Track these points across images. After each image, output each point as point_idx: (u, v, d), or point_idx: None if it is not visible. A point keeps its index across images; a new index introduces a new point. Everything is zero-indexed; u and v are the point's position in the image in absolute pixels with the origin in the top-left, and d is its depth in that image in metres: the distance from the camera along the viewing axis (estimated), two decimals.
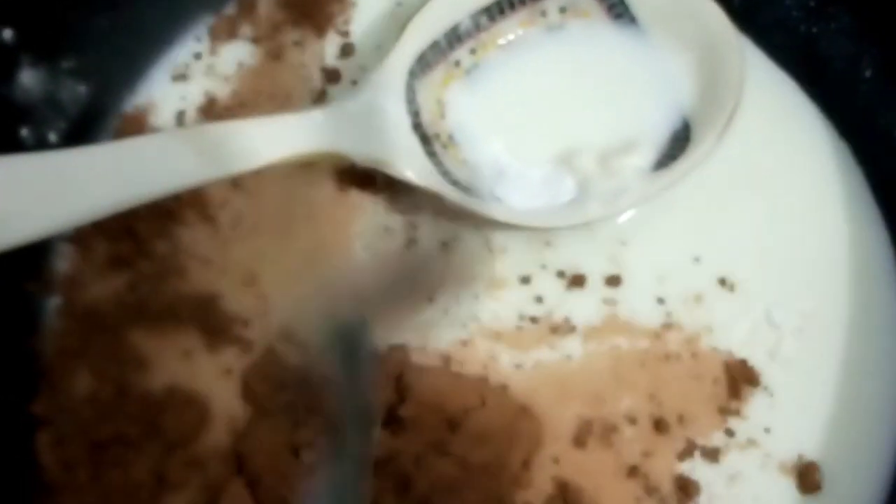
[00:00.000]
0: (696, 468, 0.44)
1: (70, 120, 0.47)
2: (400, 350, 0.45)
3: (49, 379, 0.44)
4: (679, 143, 0.48)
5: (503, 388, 0.45)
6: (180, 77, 0.50)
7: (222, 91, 0.50)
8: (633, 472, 0.44)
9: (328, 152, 0.44)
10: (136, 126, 0.49)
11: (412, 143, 0.46)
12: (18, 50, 0.44)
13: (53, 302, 0.46)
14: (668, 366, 0.46)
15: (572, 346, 0.46)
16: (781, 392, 0.46)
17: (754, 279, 0.48)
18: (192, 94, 0.50)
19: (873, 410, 0.46)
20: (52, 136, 0.46)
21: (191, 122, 0.50)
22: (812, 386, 0.46)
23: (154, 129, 0.49)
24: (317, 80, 0.51)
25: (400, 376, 0.42)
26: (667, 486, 0.44)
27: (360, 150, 0.45)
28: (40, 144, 0.46)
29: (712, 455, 0.44)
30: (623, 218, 0.48)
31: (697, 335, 0.47)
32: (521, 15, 0.50)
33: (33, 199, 0.36)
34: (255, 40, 0.52)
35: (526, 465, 0.43)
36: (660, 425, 0.45)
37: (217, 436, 0.43)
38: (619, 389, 0.45)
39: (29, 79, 0.45)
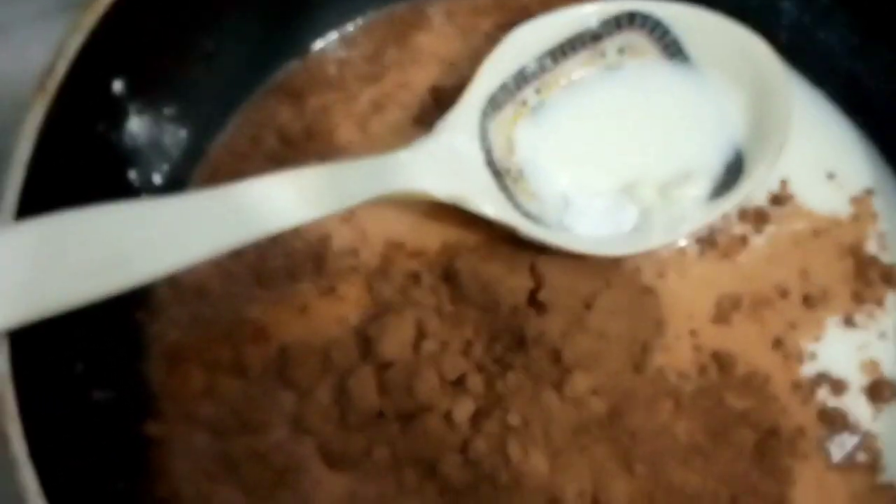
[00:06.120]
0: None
1: (172, 162, 0.50)
2: (532, 241, 0.49)
3: (160, 391, 0.46)
4: (732, 173, 0.51)
5: (626, 270, 0.49)
6: (270, 114, 0.54)
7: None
8: (777, 343, 0.48)
9: (413, 191, 0.47)
10: (232, 164, 0.52)
11: (487, 179, 0.49)
12: (127, 100, 0.47)
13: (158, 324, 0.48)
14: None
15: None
16: None
17: None
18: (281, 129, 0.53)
19: None
20: (157, 178, 0.50)
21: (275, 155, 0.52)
22: None
23: (249, 165, 0.52)
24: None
25: (533, 266, 0.47)
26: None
27: (441, 188, 0.47)
28: (146, 186, 0.49)
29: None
30: None
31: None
32: (583, 56, 0.53)
33: (149, 242, 0.38)
34: None
35: (658, 330, 0.48)
36: (808, 300, 0.49)
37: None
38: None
39: (136, 126, 0.48)
